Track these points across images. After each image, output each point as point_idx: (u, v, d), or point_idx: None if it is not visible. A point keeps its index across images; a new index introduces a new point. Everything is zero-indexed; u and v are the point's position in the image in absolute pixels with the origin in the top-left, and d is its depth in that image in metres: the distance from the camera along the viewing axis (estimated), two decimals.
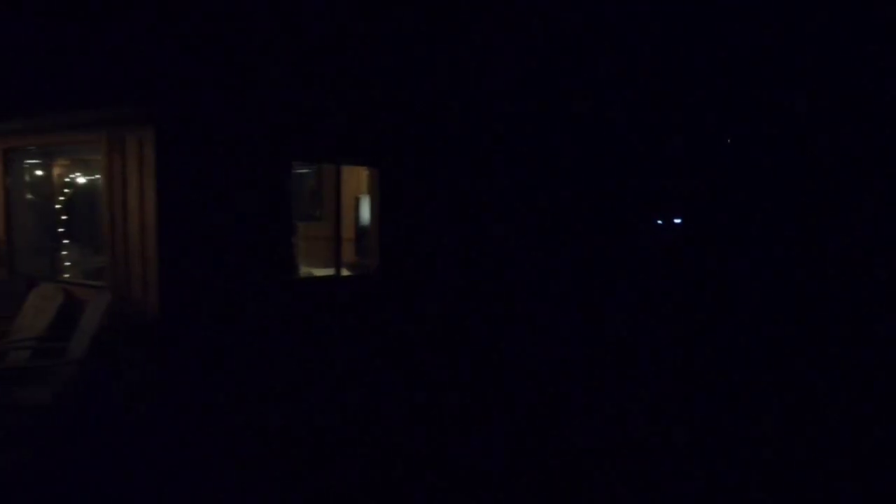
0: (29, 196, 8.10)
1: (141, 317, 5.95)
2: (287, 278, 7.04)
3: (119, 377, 5.84)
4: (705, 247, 14.00)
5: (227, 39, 6.25)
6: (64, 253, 7.92)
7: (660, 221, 15.19)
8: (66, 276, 7.48)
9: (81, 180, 8.40)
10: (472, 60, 9.05)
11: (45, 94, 5.29)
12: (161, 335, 5.87)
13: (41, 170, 8.09)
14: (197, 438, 5.96)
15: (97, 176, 8.84)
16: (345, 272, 7.89)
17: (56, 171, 8.03)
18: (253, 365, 6.55)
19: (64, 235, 7.90)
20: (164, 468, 5.51)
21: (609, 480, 5.50)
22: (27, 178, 8.05)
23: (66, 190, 8.05)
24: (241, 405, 6.34)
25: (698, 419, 6.97)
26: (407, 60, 8.11)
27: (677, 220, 15.12)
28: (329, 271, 7.71)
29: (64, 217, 7.94)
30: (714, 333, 10.34)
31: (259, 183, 6.70)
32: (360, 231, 9.02)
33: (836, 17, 12.16)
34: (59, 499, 5.08)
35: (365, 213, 8.79)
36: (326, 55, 7.15)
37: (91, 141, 6.35)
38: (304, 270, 8.07)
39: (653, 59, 12.70)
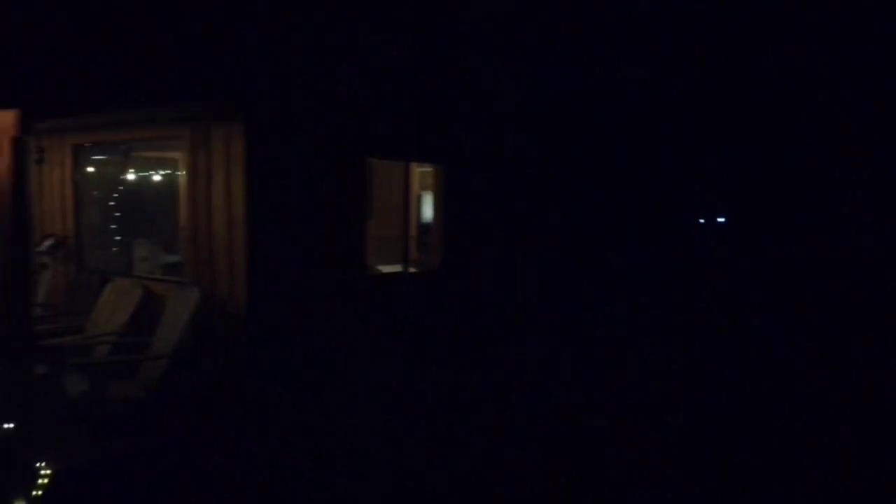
0: (96, 192, 8.14)
1: (227, 312, 5.95)
2: (361, 275, 7.04)
3: (208, 371, 5.85)
4: (751, 246, 13.97)
5: (313, 39, 6.26)
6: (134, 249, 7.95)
7: (702, 220, 15.16)
8: (140, 272, 7.48)
9: (147, 176, 8.44)
10: (533, 63, 9.09)
11: (127, 88, 5.27)
12: (249, 330, 5.87)
13: (110, 166, 8.12)
14: (283, 430, 6.01)
15: (164, 172, 8.91)
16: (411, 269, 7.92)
17: (124, 167, 8.06)
18: (331, 360, 6.57)
19: (134, 232, 7.92)
20: (250, 460, 5.56)
21: None
22: (95, 173, 8.08)
23: (134, 186, 8.08)
24: (324, 399, 6.38)
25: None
26: (474, 63, 8.13)
27: (721, 219, 15.09)
28: (396, 268, 7.72)
29: (132, 213, 7.98)
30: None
31: (336, 180, 6.71)
32: (421, 228, 9.05)
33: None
34: (153, 490, 5.14)
35: (426, 210, 8.83)
36: (401, 57, 7.17)
37: (173, 136, 6.37)
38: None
39: (696, 58, 12.71)
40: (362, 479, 5.56)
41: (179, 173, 8.97)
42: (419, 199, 9.09)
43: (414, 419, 6.60)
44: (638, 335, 9.75)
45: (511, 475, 5.77)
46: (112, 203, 8.20)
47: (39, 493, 4.58)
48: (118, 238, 7.91)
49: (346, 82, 6.72)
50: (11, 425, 4.82)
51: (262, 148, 5.89)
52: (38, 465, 4.62)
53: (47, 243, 7.56)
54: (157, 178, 8.44)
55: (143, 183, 8.33)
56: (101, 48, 4.97)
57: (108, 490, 5.01)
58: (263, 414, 5.94)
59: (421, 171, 9.00)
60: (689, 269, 12.77)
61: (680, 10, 11.72)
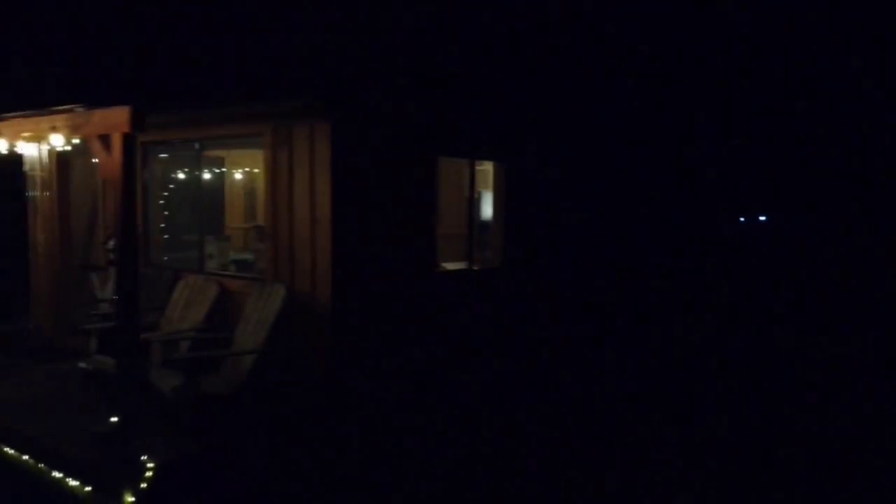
0: (162, 190, 8.19)
1: (310, 308, 6.00)
2: (432, 272, 7.11)
3: (294, 365, 5.91)
4: (795, 245, 13.97)
5: (394, 46, 6.35)
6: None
7: (742, 219, 15.17)
8: (210, 269, 7.52)
9: (216, 174, 8.48)
10: (587, 70, 9.19)
11: (227, 86, 5.35)
12: (333, 325, 5.92)
13: (176, 163, 8.18)
14: (366, 418, 6.13)
15: (232, 170, 8.95)
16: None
17: (194, 164, 8.10)
18: (409, 353, 6.66)
19: (200, 229, 7.96)
20: (341, 449, 5.66)
21: None
22: (161, 171, 8.14)
23: (200, 184, 8.12)
24: (404, 386, 6.50)
25: None
26: (535, 65, 8.23)
27: (762, 218, 15.08)
28: (461, 265, 7.78)
29: (198, 211, 8.01)
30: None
31: (409, 178, 6.77)
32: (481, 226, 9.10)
33: None
34: (250, 482, 5.23)
35: (485, 208, 8.89)
36: (470, 61, 7.28)
37: (254, 133, 6.41)
38: None
39: (736, 54, 12.74)
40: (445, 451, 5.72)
41: (242, 172, 9.03)
42: (479, 198, 9.15)
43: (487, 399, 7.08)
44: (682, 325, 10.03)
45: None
46: (178, 200, 8.26)
47: (145, 485, 4.64)
48: (186, 235, 7.96)
49: (424, 88, 6.80)
50: (116, 419, 4.90)
51: (347, 147, 5.94)
52: (142, 458, 4.69)
53: (114, 240, 7.62)
54: (225, 176, 8.47)
55: (209, 181, 8.36)
56: (205, 49, 5.05)
57: (209, 482, 5.10)
58: (350, 403, 6.01)
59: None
60: (726, 267, 12.84)
61: (724, 6, 11.79)
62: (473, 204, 7.83)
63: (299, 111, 5.91)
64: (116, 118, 4.52)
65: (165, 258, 7.82)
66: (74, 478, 4.82)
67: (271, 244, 6.37)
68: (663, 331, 9.86)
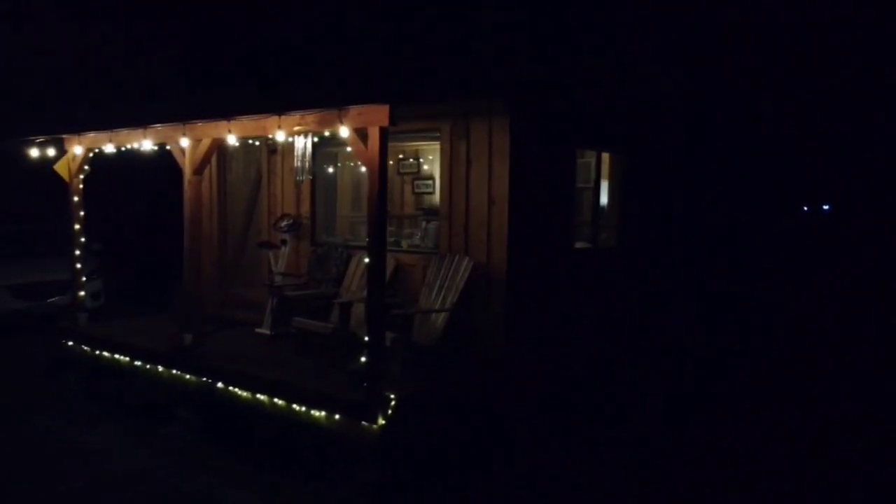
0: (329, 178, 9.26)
1: (485, 275, 7.05)
2: (569, 247, 8.20)
3: (478, 320, 6.99)
4: (861, 235, 14.79)
5: (558, 48, 7.39)
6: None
7: (806, 208, 15.99)
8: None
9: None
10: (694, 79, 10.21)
11: (442, 85, 6.33)
12: (507, 290, 6.99)
13: (348, 155, 9.23)
14: (529, 361, 7.33)
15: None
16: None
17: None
18: (560, 315, 7.82)
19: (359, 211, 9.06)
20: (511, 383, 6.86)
21: None
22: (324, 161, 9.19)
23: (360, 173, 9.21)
24: (557, 339, 7.70)
25: None
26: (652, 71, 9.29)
27: (826, 207, 15.86)
28: (586, 244, 8.85)
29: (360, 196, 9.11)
30: None
31: (556, 166, 7.85)
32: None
33: None
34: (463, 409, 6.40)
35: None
36: (607, 66, 8.37)
37: (430, 129, 7.49)
38: None
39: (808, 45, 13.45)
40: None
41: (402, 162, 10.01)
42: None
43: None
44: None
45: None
46: (343, 188, 9.33)
47: (390, 412, 5.73)
48: (353, 218, 9.04)
49: (577, 83, 7.88)
50: (364, 361, 5.98)
51: (519, 138, 7.01)
52: (387, 394, 5.78)
53: (286, 222, 8.73)
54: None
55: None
56: (435, 52, 6.09)
57: (434, 411, 6.23)
58: (520, 350, 7.15)
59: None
60: (793, 254, 13.85)
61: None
62: (597, 191, 8.90)
63: (479, 107, 6.96)
64: (375, 114, 5.55)
65: (332, 238, 8.89)
66: (332, 411, 5.92)
67: (446, 223, 7.44)
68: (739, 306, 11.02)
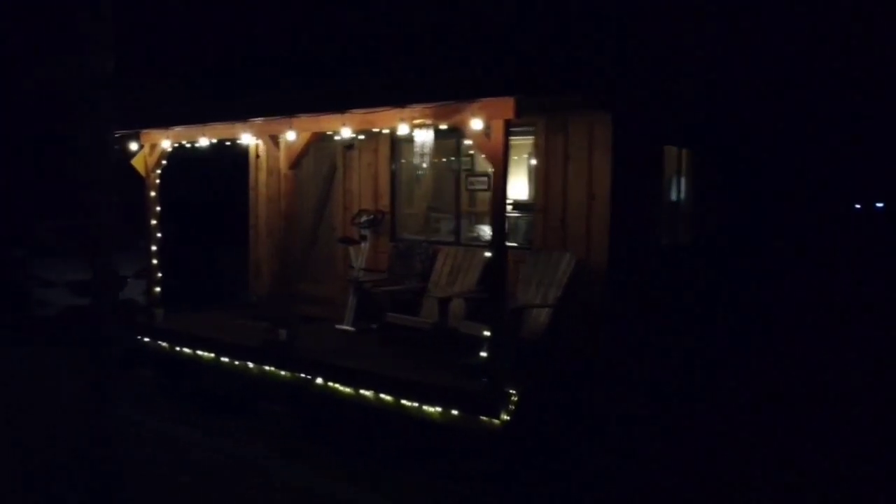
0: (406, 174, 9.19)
1: (585, 271, 7.02)
2: (657, 243, 8.18)
3: (580, 315, 6.95)
4: None
5: (657, 49, 7.38)
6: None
7: (858, 206, 15.97)
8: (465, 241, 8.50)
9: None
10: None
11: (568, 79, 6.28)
12: (610, 283, 6.95)
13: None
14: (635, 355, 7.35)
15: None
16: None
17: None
18: (656, 308, 7.85)
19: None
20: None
21: None
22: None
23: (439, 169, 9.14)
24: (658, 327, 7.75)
25: None
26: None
27: (880, 205, 15.84)
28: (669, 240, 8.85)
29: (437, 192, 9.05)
30: None
31: (647, 162, 7.83)
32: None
33: None
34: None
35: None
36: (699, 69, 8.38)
37: (524, 123, 7.42)
38: None
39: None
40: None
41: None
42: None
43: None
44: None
45: None
46: (417, 183, 9.25)
47: (512, 407, 5.70)
48: (434, 213, 8.99)
49: (670, 82, 7.87)
50: (485, 354, 5.95)
51: (621, 134, 6.97)
52: (508, 389, 5.75)
53: (365, 218, 8.68)
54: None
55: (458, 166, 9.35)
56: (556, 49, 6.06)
57: (546, 406, 6.21)
58: (622, 344, 7.13)
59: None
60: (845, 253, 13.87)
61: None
62: (679, 188, 8.88)
63: (573, 104, 6.89)
64: (500, 107, 5.52)
65: (410, 234, 8.84)
66: (448, 406, 5.89)
67: (541, 218, 7.40)
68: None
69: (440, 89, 5.72)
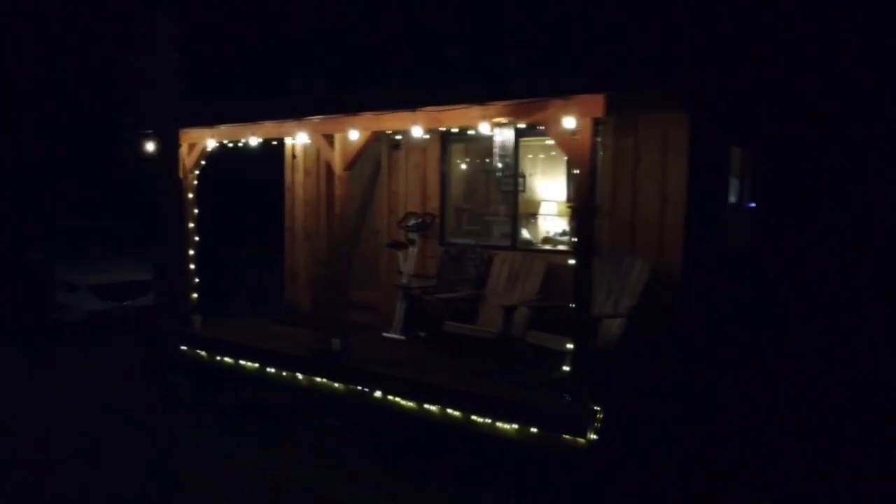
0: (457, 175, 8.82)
1: (658, 275, 6.64)
2: (723, 246, 7.85)
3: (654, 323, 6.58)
4: None
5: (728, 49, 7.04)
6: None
7: None
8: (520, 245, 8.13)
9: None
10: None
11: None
12: (686, 287, 6.59)
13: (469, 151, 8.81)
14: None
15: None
16: None
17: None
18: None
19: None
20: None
21: None
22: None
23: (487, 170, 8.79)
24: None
25: None
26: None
27: None
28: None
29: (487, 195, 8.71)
30: None
31: (713, 162, 7.49)
32: None
33: None
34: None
35: None
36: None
37: None
38: None
39: None
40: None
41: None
42: None
43: None
44: None
45: None
46: (476, 182, 8.89)
47: (597, 424, 5.34)
48: (488, 216, 8.64)
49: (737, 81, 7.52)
50: (567, 368, 5.59)
51: (694, 133, 6.61)
52: (592, 406, 5.39)
53: (413, 221, 8.31)
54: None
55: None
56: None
57: (637, 422, 5.86)
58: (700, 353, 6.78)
59: None
60: None
61: None
62: (742, 189, 8.54)
63: (644, 102, 6.52)
64: (589, 104, 5.16)
65: (461, 238, 8.48)
66: (525, 422, 5.52)
67: (607, 221, 7.04)
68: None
69: (522, 86, 5.36)
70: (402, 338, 7.90)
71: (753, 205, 8.83)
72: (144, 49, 4.65)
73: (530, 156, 9.09)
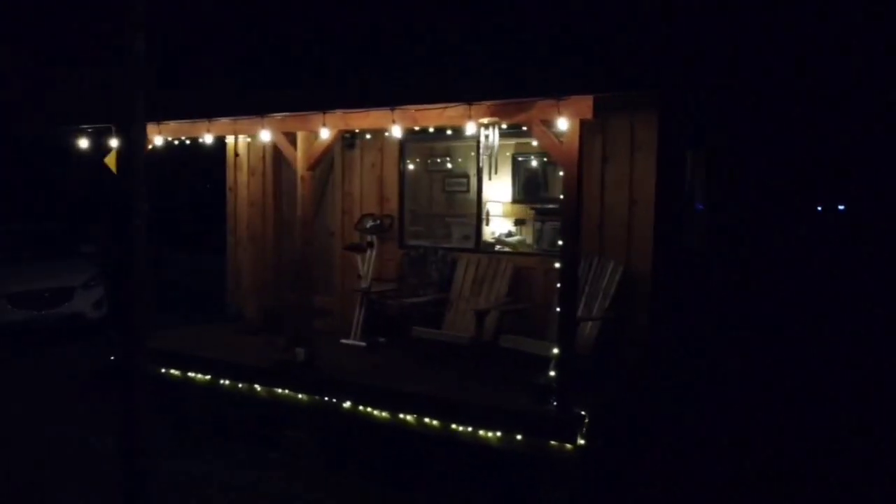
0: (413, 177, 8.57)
1: (629, 277, 6.66)
2: (688, 248, 7.98)
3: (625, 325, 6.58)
4: None
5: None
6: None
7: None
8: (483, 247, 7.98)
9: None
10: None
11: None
12: (655, 288, 6.61)
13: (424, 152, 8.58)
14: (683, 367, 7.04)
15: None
16: None
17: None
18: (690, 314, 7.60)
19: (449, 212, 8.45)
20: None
21: None
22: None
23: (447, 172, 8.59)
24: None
25: None
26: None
27: None
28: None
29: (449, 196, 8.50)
30: None
31: (683, 164, 7.60)
32: None
33: None
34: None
35: None
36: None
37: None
38: None
39: None
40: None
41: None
42: None
43: None
44: None
45: None
46: (430, 185, 8.65)
47: (584, 429, 5.29)
48: (448, 217, 8.43)
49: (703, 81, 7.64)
50: (553, 374, 5.49)
51: (663, 135, 6.66)
52: (579, 411, 5.33)
53: (371, 223, 8.03)
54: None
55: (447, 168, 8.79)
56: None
57: (619, 425, 5.82)
58: (671, 356, 6.83)
59: None
60: None
61: None
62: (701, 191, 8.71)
63: (626, 102, 6.52)
64: (576, 106, 5.08)
65: (420, 240, 8.27)
66: (508, 429, 5.40)
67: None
68: None
69: (506, 86, 5.23)
70: (363, 344, 7.64)
71: (702, 207, 9.01)
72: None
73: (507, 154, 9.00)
